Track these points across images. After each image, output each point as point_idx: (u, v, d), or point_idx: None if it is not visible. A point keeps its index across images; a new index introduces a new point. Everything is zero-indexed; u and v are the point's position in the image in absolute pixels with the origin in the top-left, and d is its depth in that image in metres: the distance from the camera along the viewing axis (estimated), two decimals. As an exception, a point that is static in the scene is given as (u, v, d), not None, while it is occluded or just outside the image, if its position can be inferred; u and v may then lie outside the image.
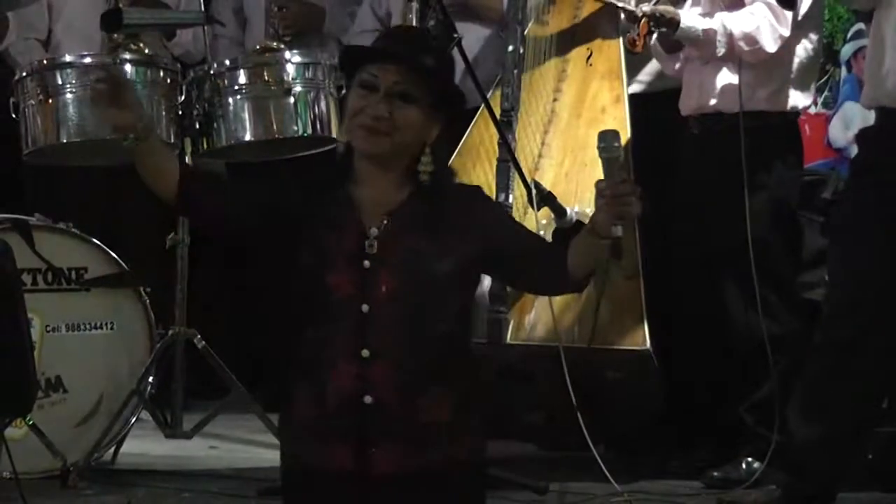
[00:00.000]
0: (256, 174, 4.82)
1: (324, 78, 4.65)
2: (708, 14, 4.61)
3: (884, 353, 3.89)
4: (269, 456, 4.46)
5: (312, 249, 2.84)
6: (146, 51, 4.73)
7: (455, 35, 4.36)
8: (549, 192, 4.33)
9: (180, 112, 4.61)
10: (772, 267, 4.54)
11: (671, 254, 4.77)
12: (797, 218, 4.80)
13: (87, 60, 4.60)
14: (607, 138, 2.78)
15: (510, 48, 4.66)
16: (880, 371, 3.94)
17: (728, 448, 4.62)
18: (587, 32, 4.91)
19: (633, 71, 4.91)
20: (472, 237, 2.87)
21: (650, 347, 4.36)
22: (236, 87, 4.63)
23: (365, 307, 2.81)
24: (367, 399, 2.79)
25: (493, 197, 4.45)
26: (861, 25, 6.28)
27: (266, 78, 4.65)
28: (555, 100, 4.84)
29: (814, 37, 4.66)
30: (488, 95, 4.56)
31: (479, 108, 4.64)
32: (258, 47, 4.89)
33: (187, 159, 4.56)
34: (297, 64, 4.65)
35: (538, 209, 4.33)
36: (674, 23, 4.55)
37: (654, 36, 4.67)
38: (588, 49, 4.87)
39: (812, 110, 5.70)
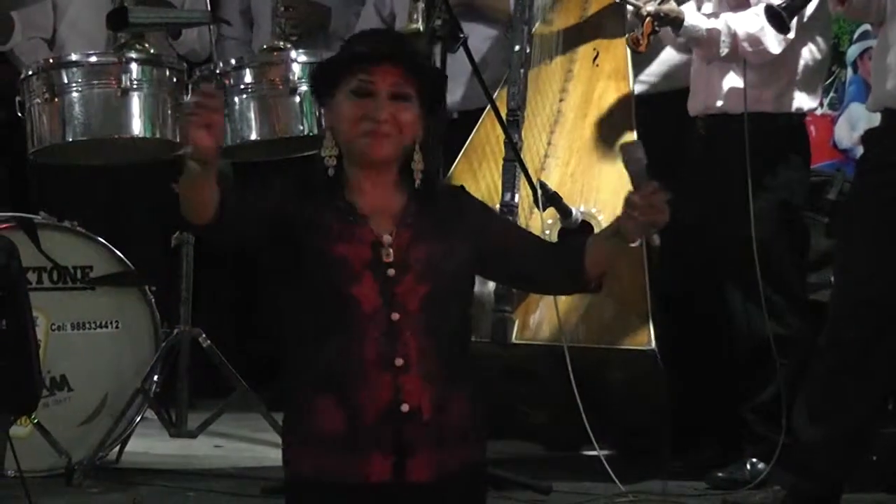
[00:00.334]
0: (259, 190, 4.80)
1: (329, 77, 4.66)
2: (715, 15, 4.61)
3: (889, 354, 3.89)
4: (273, 455, 4.40)
5: (325, 262, 2.78)
6: (151, 50, 4.74)
7: (461, 35, 4.36)
8: (555, 193, 4.32)
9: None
10: (777, 268, 4.53)
11: (677, 254, 4.76)
12: (803, 219, 4.80)
13: (93, 60, 4.62)
14: (630, 150, 2.77)
15: (516, 48, 4.66)
16: (885, 372, 3.93)
17: (733, 449, 4.62)
18: (593, 32, 4.90)
19: (636, 71, 4.90)
20: (470, 236, 2.86)
21: (655, 348, 4.36)
22: (242, 87, 4.64)
23: (395, 316, 2.76)
24: (405, 407, 2.75)
25: (500, 196, 4.46)
26: (867, 26, 6.27)
27: (272, 77, 4.66)
28: (561, 100, 4.83)
29: (820, 39, 4.64)
30: (494, 95, 4.56)
31: (485, 108, 4.64)
32: (265, 47, 4.90)
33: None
34: (303, 63, 4.65)
35: (544, 209, 4.32)
36: (678, 22, 4.54)
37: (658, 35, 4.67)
38: (594, 49, 4.87)
39: (818, 111, 5.69)
